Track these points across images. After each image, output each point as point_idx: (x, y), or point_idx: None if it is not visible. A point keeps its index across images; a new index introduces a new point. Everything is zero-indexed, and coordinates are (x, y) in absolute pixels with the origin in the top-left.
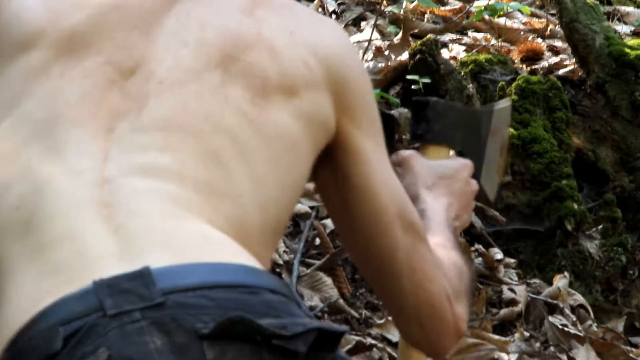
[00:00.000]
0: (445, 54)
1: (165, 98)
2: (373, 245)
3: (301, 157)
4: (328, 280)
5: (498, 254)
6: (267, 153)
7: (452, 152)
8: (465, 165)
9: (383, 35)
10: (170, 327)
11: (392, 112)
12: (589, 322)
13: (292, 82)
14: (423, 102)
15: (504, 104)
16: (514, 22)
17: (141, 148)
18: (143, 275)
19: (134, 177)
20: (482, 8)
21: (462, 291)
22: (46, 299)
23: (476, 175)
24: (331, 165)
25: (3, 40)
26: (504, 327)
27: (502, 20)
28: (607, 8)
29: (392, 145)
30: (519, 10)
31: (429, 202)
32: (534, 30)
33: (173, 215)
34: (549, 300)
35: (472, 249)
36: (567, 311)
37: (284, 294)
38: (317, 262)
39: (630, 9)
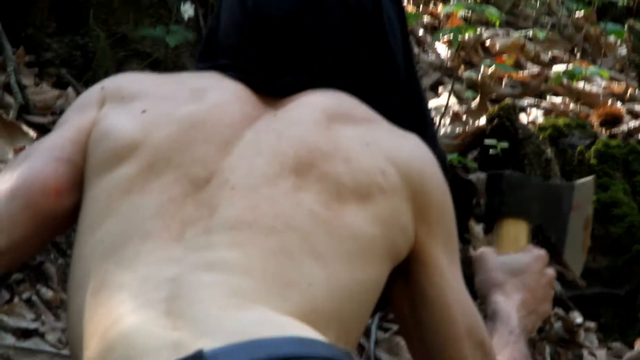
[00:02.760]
0: (523, 118)
1: (237, 201)
2: (440, 357)
3: (378, 258)
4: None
5: (578, 318)
6: (340, 251)
7: (528, 227)
8: (538, 256)
9: (461, 100)
10: None
11: (470, 176)
12: None
13: (367, 188)
14: (497, 175)
15: (587, 179)
16: (593, 86)
17: (209, 247)
18: (196, 358)
19: (199, 273)
20: (561, 72)
21: None
22: None
23: (559, 250)
24: (405, 277)
25: (93, 156)
26: None
27: (581, 84)
28: None
29: (470, 211)
30: (598, 75)
31: (501, 302)
32: (613, 94)
33: (233, 305)
34: None
35: (552, 313)
36: None
37: None
38: (395, 327)
39: None
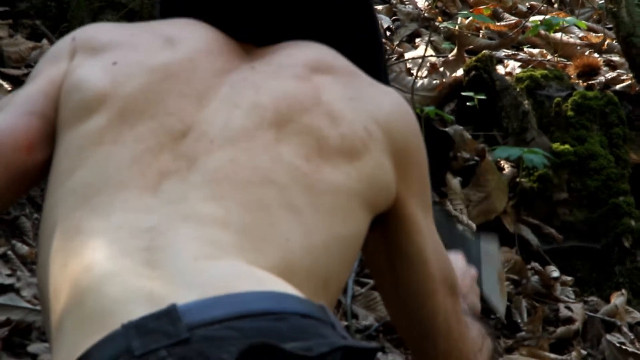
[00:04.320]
0: (500, 69)
1: (215, 155)
2: (417, 310)
3: (357, 214)
4: None
5: (555, 272)
6: (319, 206)
7: None
8: (457, 255)
9: (438, 51)
10: None
11: (447, 129)
12: None
13: (352, 146)
14: None
15: (490, 236)
16: (571, 37)
17: (186, 199)
18: (169, 313)
19: (176, 224)
20: (538, 23)
21: (482, 349)
22: (82, 347)
23: (479, 285)
24: (383, 233)
25: (64, 109)
26: (561, 346)
27: (558, 35)
28: None
29: (447, 164)
30: (576, 25)
31: None
32: (590, 45)
33: (209, 257)
34: (607, 318)
35: (529, 267)
36: (625, 329)
37: (317, 317)
38: (372, 281)
39: None
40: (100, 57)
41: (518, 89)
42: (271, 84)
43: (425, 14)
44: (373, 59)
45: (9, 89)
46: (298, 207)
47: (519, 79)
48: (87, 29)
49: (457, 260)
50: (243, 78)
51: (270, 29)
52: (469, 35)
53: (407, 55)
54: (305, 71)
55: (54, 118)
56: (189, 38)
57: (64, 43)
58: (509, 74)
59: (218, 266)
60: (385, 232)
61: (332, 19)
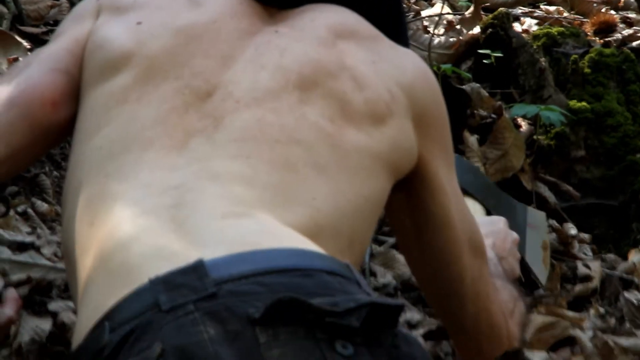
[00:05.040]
0: (517, 27)
1: (241, 114)
2: (444, 271)
3: (381, 175)
4: (401, 258)
5: (572, 229)
6: (344, 165)
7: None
8: (500, 218)
9: (454, 9)
10: (223, 315)
11: (464, 87)
12: None
13: (376, 109)
14: None
15: (539, 211)
16: None
17: (213, 157)
18: (196, 268)
19: (203, 182)
20: None
21: (513, 311)
22: (110, 302)
23: (521, 253)
24: (407, 194)
25: (88, 68)
26: (579, 304)
27: None
28: None
29: (465, 121)
30: None
31: None
32: (607, 2)
33: (236, 214)
34: (625, 275)
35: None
36: None
37: (343, 274)
38: (390, 239)
39: None
40: (124, 17)
41: (535, 47)
42: (295, 48)
43: None
44: (394, 21)
45: (29, 47)
46: (323, 166)
47: (535, 37)
48: None
49: (499, 222)
50: (267, 41)
51: None
52: None
53: (424, 13)
54: (329, 35)
55: (78, 76)
56: (213, 0)
57: (89, 3)
58: (526, 31)
59: (244, 223)
60: (409, 193)
61: None
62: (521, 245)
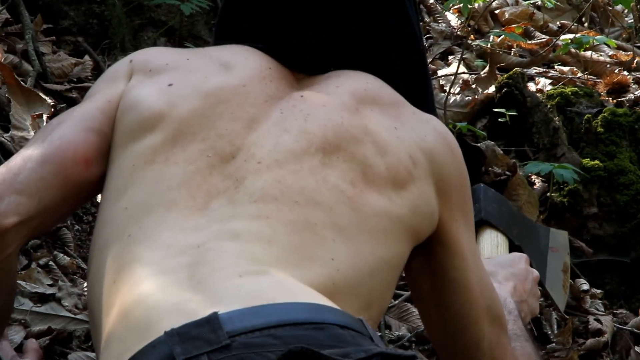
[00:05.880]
0: (531, 87)
1: (262, 175)
2: (460, 336)
3: (401, 239)
4: (415, 311)
5: (584, 285)
6: (364, 228)
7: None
8: (521, 256)
9: (470, 68)
10: None
11: (479, 144)
12: None
13: (397, 174)
14: (474, 187)
15: (560, 231)
16: (600, 55)
17: (234, 217)
18: (210, 321)
19: (223, 241)
20: (569, 41)
21: None
22: (129, 353)
23: (541, 281)
24: (427, 257)
25: (120, 128)
26: (591, 358)
27: (588, 53)
28: None
29: (479, 178)
30: (605, 44)
31: (495, 288)
32: (620, 63)
33: (253, 272)
34: (636, 330)
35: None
36: None
37: (356, 329)
38: (405, 293)
39: None
40: (156, 79)
41: (549, 106)
42: (319, 113)
43: (458, 32)
44: (421, 86)
45: (52, 103)
46: (343, 228)
47: (549, 96)
48: (144, 52)
49: (520, 261)
50: (292, 105)
51: (321, 59)
52: (501, 53)
53: (440, 73)
54: (353, 101)
55: (110, 135)
56: (243, 64)
57: (122, 64)
58: (540, 91)
59: (261, 280)
60: (428, 257)
61: (382, 54)
62: (542, 271)
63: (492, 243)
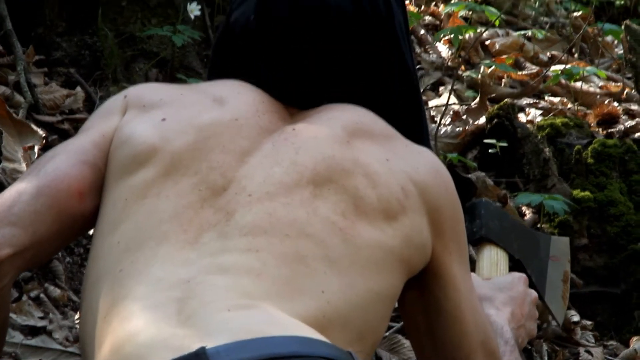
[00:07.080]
0: (522, 117)
1: (253, 208)
2: None
3: (393, 271)
4: (406, 343)
5: (575, 316)
6: (355, 259)
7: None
8: (520, 277)
9: (461, 99)
10: None
11: (470, 175)
12: None
13: (389, 206)
14: (475, 203)
15: (562, 237)
16: (590, 86)
17: (224, 251)
18: (198, 356)
19: (212, 276)
20: (559, 72)
21: None
22: None
23: (540, 293)
24: (420, 289)
25: (113, 162)
26: None
27: (578, 84)
28: None
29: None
30: (595, 75)
31: (493, 315)
32: (610, 94)
33: (242, 306)
34: None
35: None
36: None
37: None
38: (396, 325)
39: None
40: (150, 114)
41: (539, 137)
42: (311, 145)
43: (449, 63)
44: (414, 119)
45: (44, 135)
46: (334, 260)
47: (540, 127)
48: (138, 87)
49: (518, 283)
50: (284, 138)
51: (314, 93)
52: (492, 83)
53: (431, 103)
54: (344, 134)
55: (104, 169)
56: (236, 98)
57: (116, 99)
58: (530, 122)
59: (250, 314)
60: (422, 289)
61: (375, 87)
62: (541, 283)
63: (492, 261)
